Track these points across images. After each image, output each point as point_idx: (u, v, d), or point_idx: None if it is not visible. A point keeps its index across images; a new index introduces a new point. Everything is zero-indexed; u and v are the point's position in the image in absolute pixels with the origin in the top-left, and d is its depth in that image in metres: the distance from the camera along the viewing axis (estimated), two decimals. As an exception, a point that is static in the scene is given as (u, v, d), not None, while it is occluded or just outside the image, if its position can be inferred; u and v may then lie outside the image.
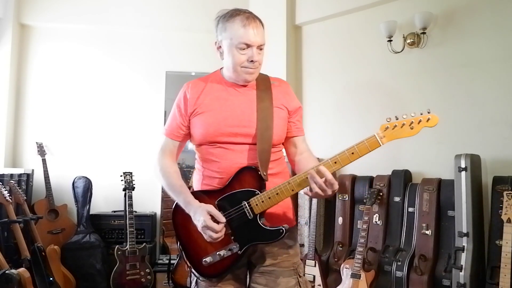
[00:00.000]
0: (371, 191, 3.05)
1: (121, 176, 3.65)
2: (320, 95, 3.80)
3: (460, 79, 3.01)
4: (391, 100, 3.35)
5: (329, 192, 1.38)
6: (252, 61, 1.53)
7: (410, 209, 2.99)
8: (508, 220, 2.37)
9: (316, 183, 1.37)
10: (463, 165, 2.62)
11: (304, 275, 1.68)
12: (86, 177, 3.80)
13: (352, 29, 3.62)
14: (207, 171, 1.59)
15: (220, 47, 1.59)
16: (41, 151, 3.78)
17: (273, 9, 3.86)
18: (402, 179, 3.07)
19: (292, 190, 1.44)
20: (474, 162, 2.67)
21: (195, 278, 1.60)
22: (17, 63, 4.01)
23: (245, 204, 1.47)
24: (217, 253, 1.48)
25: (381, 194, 3.07)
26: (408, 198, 3.02)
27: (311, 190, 1.40)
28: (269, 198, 1.45)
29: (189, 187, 1.63)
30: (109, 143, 4.06)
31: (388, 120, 1.37)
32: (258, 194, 1.46)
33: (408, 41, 3.19)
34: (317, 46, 3.85)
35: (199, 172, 1.64)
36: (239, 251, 1.48)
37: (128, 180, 3.64)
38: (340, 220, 3.30)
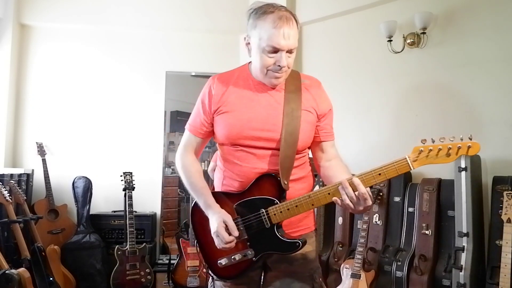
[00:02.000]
0: (371, 191, 3.03)
1: (121, 176, 3.65)
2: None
3: (460, 79, 3.00)
4: (391, 100, 3.35)
5: (361, 207, 1.32)
6: (279, 65, 1.43)
7: (410, 209, 2.99)
8: (508, 220, 2.37)
9: (348, 195, 1.31)
10: (463, 165, 2.62)
11: (320, 280, 1.62)
12: (86, 177, 3.79)
13: (352, 29, 3.61)
14: (228, 172, 1.55)
15: (248, 43, 1.49)
16: (41, 151, 3.77)
17: (273, 9, 3.85)
18: (402, 179, 3.06)
19: (312, 205, 1.38)
20: (474, 162, 2.67)
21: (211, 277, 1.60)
22: (17, 63, 4.01)
23: (263, 212, 1.42)
24: (232, 257, 1.46)
25: (381, 194, 3.07)
26: (408, 198, 3.02)
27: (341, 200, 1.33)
28: (288, 209, 1.40)
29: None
30: (109, 143, 4.06)
31: (423, 142, 1.25)
32: (277, 203, 1.42)
33: (408, 41, 3.19)
34: (317, 46, 3.85)
35: (221, 171, 1.59)
36: (253, 258, 1.46)
37: (128, 180, 3.64)
38: (340, 220, 3.30)
